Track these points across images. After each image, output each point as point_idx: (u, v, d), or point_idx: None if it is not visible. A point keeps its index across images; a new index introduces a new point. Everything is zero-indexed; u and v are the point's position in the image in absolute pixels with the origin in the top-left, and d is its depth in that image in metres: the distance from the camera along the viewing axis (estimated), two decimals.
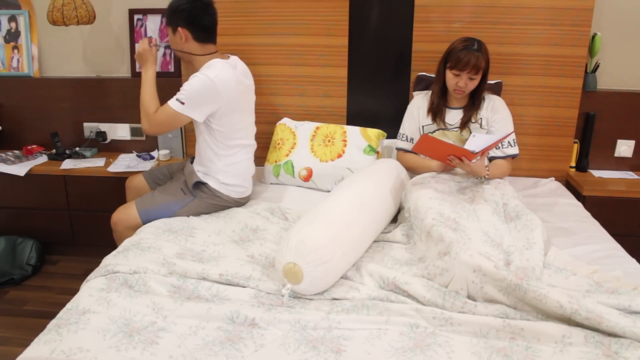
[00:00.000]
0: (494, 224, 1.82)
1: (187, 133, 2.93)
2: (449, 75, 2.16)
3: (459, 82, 2.14)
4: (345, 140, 2.52)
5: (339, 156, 2.49)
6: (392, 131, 2.58)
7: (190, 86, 1.99)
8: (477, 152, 1.96)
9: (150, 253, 1.74)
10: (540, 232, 1.79)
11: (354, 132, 2.54)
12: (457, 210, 1.82)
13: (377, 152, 2.53)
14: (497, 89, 2.55)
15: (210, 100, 2.00)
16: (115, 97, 2.99)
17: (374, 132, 2.55)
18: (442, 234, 1.65)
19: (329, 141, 2.54)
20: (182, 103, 1.99)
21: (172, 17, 2.08)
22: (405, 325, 1.42)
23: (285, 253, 1.54)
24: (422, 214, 1.81)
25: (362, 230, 1.74)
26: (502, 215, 1.92)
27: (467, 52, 2.08)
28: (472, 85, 2.16)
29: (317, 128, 2.59)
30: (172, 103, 2.01)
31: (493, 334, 1.38)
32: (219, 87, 1.99)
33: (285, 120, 2.68)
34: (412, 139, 2.36)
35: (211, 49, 2.14)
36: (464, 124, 2.23)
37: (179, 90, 2.03)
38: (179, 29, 2.06)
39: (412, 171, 2.38)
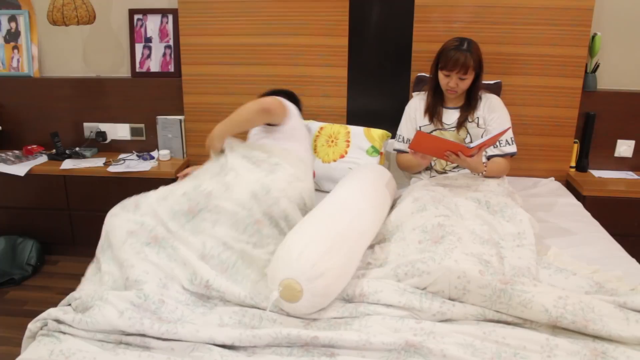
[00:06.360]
0: (479, 218, 1.83)
1: (187, 133, 2.93)
2: (441, 75, 2.16)
3: (450, 83, 2.14)
4: (348, 141, 2.52)
5: (342, 157, 2.48)
6: (392, 131, 2.58)
7: None
8: (473, 147, 1.96)
9: (93, 312, 1.40)
10: (528, 222, 1.80)
11: (358, 133, 2.53)
12: (440, 213, 1.80)
13: (381, 153, 2.53)
14: (496, 89, 2.55)
15: None
16: (115, 97, 2.99)
17: (377, 133, 2.54)
18: (428, 248, 1.62)
19: (332, 142, 2.53)
20: None
21: None
22: (386, 349, 1.34)
23: (291, 270, 1.40)
24: (406, 235, 1.75)
25: (357, 263, 1.63)
26: (485, 210, 1.93)
27: (455, 52, 2.07)
28: (464, 85, 2.15)
29: (321, 128, 2.59)
30: None
31: (478, 344, 1.34)
32: None
33: None
34: (409, 140, 2.36)
35: None
36: (461, 123, 2.23)
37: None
38: None
39: (410, 171, 2.38)
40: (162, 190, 1.76)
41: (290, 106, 2.10)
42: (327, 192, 2.48)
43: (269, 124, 2.04)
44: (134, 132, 3.04)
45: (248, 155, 1.89)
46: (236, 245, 1.61)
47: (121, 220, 1.63)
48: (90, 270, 1.64)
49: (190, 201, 1.68)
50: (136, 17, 2.91)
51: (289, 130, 2.04)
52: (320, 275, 1.40)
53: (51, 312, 1.42)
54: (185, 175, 2.11)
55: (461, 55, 2.06)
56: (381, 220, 1.86)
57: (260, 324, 1.42)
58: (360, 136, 2.52)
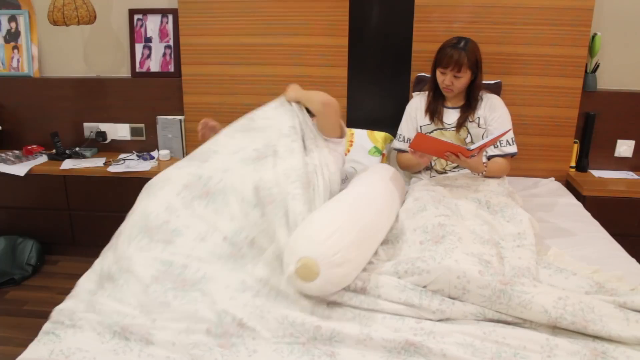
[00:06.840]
0: (479, 218, 1.83)
1: (187, 133, 2.93)
2: (438, 73, 2.19)
3: (445, 80, 2.16)
4: (351, 141, 2.53)
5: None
6: (392, 131, 2.58)
7: None
8: (473, 149, 1.96)
9: (119, 284, 1.49)
10: (528, 222, 1.80)
11: (361, 134, 2.57)
12: (440, 213, 1.80)
13: (383, 155, 2.55)
14: (496, 89, 2.55)
15: None
16: (115, 97, 2.99)
17: (381, 135, 2.56)
18: (428, 247, 1.63)
19: None
20: None
21: None
22: (386, 348, 1.35)
23: (314, 250, 1.42)
24: (407, 236, 1.76)
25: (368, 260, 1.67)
26: (485, 210, 1.93)
27: (451, 50, 2.11)
28: (459, 83, 2.16)
29: None
30: None
31: (478, 344, 1.34)
32: None
33: None
34: (409, 140, 2.36)
35: None
36: (461, 123, 2.23)
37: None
38: None
39: (410, 170, 2.38)
40: (230, 145, 1.91)
41: (345, 135, 2.16)
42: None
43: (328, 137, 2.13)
44: (134, 132, 3.04)
45: (304, 126, 2.02)
46: (283, 186, 1.73)
47: (182, 173, 1.79)
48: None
49: (260, 153, 1.87)
50: (136, 17, 2.91)
51: (339, 147, 2.13)
52: (340, 264, 1.43)
53: (68, 303, 1.50)
54: (206, 127, 2.18)
55: (455, 52, 2.09)
56: (391, 224, 1.89)
57: (276, 300, 1.47)
58: (364, 137, 2.54)
